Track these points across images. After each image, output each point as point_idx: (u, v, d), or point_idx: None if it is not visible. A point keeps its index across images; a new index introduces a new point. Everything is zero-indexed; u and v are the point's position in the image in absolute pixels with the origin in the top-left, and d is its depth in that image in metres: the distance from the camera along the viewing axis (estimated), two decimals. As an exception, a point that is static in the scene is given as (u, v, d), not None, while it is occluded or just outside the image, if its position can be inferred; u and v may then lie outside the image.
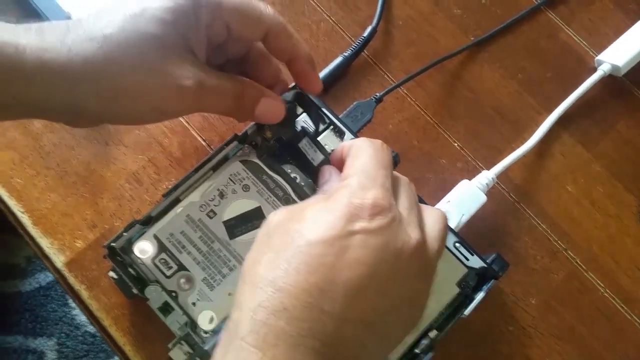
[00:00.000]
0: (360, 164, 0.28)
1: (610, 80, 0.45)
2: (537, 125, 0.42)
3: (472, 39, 0.45)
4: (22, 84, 0.26)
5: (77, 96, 0.27)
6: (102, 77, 0.27)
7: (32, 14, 0.40)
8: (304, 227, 0.25)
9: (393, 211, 0.26)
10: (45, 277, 0.94)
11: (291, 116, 0.35)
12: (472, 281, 0.35)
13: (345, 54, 0.42)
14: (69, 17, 0.39)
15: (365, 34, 0.43)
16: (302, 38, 0.43)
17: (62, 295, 0.93)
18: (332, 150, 0.35)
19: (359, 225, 0.25)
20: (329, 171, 0.32)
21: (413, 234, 0.26)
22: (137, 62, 0.27)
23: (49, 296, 0.93)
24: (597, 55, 0.45)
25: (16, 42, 0.26)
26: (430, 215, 0.29)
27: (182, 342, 0.32)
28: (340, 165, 0.30)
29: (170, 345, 0.32)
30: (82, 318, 0.92)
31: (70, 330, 0.91)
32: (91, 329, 0.91)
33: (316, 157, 0.35)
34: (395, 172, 0.29)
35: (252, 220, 0.35)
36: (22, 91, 0.27)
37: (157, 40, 0.27)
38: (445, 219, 0.29)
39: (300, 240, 0.25)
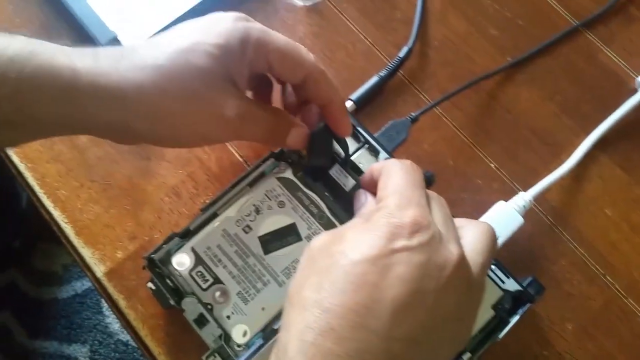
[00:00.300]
0: (393, 184, 0.28)
1: (652, 102, 0.44)
2: (575, 147, 0.42)
3: (509, 59, 0.45)
4: (76, 104, 0.28)
5: (126, 119, 0.29)
6: (151, 105, 0.29)
7: (85, 37, 0.42)
8: (346, 248, 0.26)
9: (432, 228, 0.26)
10: (81, 285, 0.97)
11: (328, 145, 0.36)
12: (508, 304, 0.35)
13: (381, 74, 0.43)
14: (115, 37, 0.41)
15: (401, 54, 0.43)
16: (338, 58, 0.44)
17: (97, 303, 0.95)
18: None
19: (400, 243, 0.25)
20: (364, 195, 0.32)
21: (454, 250, 0.26)
22: (184, 93, 0.29)
23: (85, 304, 0.95)
24: (637, 76, 0.45)
25: (73, 66, 0.27)
26: (473, 229, 0.29)
27: (216, 354, 0.33)
28: (371, 187, 0.31)
29: (203, 358, 0.33)
30: (115, 326, 0.94)
31: (103, 338, 0.93)
32: (124, 337, 0.93)
33: (347, 183, 0.36)
34: (425, 190, 0.30)
35: (286, 236, 0.35)
36: (75, 111, 0.28)
37: (205, 73, 0.29)
38: (490, 232, 0.29)
39: (343, 260, 0.25)
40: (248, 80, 0.32)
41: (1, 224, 0.85)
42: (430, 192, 0.30)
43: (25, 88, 0.27)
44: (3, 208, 0.84)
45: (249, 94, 0.35)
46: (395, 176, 0.29)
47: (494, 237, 0.29)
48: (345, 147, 0.36)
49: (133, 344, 0.92)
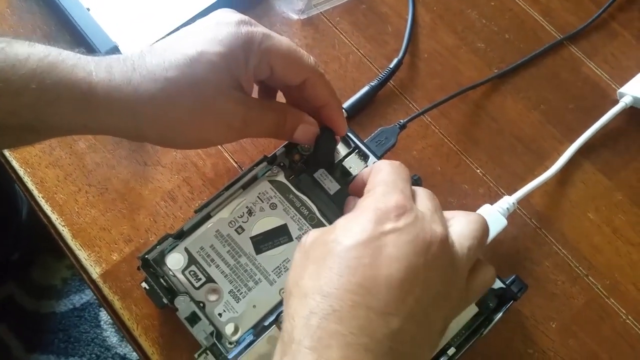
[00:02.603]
0: (380, 177, 0.30)
1: (633, 112, 0.45)
2: (559, 154, 0.43)
3: (496, 71, 0.46)
4: (92, 114, 0.30)
5: (137, 127, 0.31)
6: (161, 115, 0.31)
7: (86, 46, 0.44)
8: (338, 235, 0.28)
9: (415, 211, 0.28)
10: (79, 299, 0.97)
11: (328, 143, 0.37)
12: (492, 302, 0.35)
13: (372, 84, 0.44)
14: (115, 46, 0.43)
15: (392, 65, 0.45)
16: (332, 69, 0.46)
17: (95, 316, 0.95)
18: (353, 177, 0.37)
19: (389, 226, 0.27)
20: (353, 201, 0.34)
21: (437, 229, 0.28)
22: (193, 105, 0.31)
23: (83, 317, 0.95)
24: (619, 88, 0.46)
25: (90, 79, 0.29)
26: (463, 217, 0.31)
27: (208, 352, 0.34)
28: (361, 191, 0.33)
29: (196, 355, 0.33)
30: (113, 340, 0.93)
31: (101, 351, 0.93)
32: (121, 350, 0.93)
33: (332, 187, 0.38)
34: (415, 186, 0.31)
35: (278, 237, 0.36)
36: (91, 120, 0.31)
37: (211, 84, 0.31)
38: (478, 221, 0.31)
39: (338, 247, 0.27)
40: (254, 80, 0.34)
41: (0, 236, 0.86)
42: (420, 188, 0.32)
43: (45, 99, 0.29)
44: (3, 220, 0.84)
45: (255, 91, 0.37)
46: (382, 171, 0.31)
47: (483, 225, 0.31)
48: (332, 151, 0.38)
49: (130, 357, 0.92)
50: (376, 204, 0.28)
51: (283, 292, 0.35)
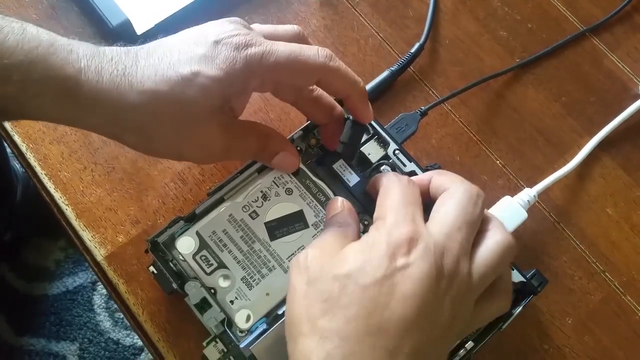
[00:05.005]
0: (390, 202, 0.30)
1: (655, 108, 0.45)
2: (579, 147, 0.42)
3: (518, 60, 0.46)
4: (74, 112, 0.29)
5: (119, 131, 0.31)
6: (142, 125, 0.30)
7: (95, 19, 0.42)
8: (352, 271, 0.27)
9: (425, 241, 0.27)
10: (72, 282, 0.95)
11: (359, 136, 0.36)
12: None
13: (392, 69, 0.43)
14: (127, 20, 0.41)
15: (413, 50, 0.44)
16: (350, 52, 0.45)
17: (88, 300, 0.94)
18: (371, 169, 0.37)
19: (401, 261, 0.26)
20: (340, 202, 0.33)
21: (448, 261, 0.27)
22: (175, 124, 0.30)
23: (75, 301, 0.94)
24: (641, 83, 0.45)
25: (77, 78, 0.28)
26: (494, 237, 0.29)
27: (217, 340, 0.33)
28: (373, 193, 0.33)
29: (204, 343, 0.32)
30: (106, 324, 0.92)
31: (93, 336, 0.91)
32: (114, 335, 0.91)
33: (352, 179, 0.36)
34: (421, 206, 0.30)
35: (293, 223, 0.35)
36: (73, 117, 0.30)
37: (198, 106, 0.30)
38: (506, 248, 0.29)
39: (352, 286, 0.26)
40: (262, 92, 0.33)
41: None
42: (445, 203, 0.30)
43: (28, 92, 0.28)
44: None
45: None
46: (392, 194, 0.30)
47: (510, 251, 0.30)
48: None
49: (124, 342, 0.91)
50: (388, 237, 0.27)
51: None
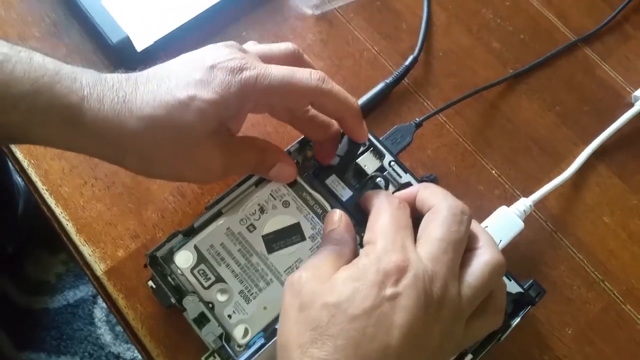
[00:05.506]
0: (380, 226, 0.30)
1: (648, 116, 0.45)
2: (574, 156, 0.43)
3: (511, 71, 0.46)
4: (76, 138, 0.30)
5: (120, 156, 0.31)
6: (142, 150, 0.31)
7: (96, 36, 0.43)
8: (340, 301, 0.27)
9: (414, 268, 0.27)
10: (73, 295, 0.95)
11: (355, 150, 0.37)
12: (509, 307, 0.35)
13: (387, 81, 0.43)
14: (127, 37, 0.41)
15: (407, 62, 0.44)
16: (346, 65, 0.45)
17: (89, 314, 0.94)
18: (365, 181, 0.37)
19: (389, 291, 0.27)
20: (339, 217, 0.33)
21: (437, 287, 0.27)
22: (174, 148, 0.31)
23: (76, 314, 0.94)
24: (634, 91, 0.46)
25: (80, 106, 0.29)
26: (484, 257, 0.30)
27: (215, 355, 0.33)
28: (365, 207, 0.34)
29: (203, 358, 0.32)
30: (107, 338, 0.92)
31: (94, 350, 0.91)
32: (115, 349, 0.91)
33: (344, 194, 0.37)
34: (412, 229, 0.30)
35: (290, 235, 0.35)
36: (75, 143, 0.31)
37: (195, 130, 0.30)
38: (494, 267, 0.29)
39: (340, 316, 0.26)
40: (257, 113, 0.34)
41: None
42: (434, 218, 0.30)
43: (33, 120, 0.29)
44: (-1, 212, 0.83)
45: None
46: (382, 218, 0.30)
47: (499, 270, 0.30)
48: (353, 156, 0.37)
49: (125, 356, 0.90)
50: (377, 264, 0.28)
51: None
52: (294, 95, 0.32)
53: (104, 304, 0.95)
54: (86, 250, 0.38)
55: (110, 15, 0.42)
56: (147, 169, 0.32)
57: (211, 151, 0.31)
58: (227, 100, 0.30)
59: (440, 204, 0.31)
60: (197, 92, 0.29)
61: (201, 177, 0.33)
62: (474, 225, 0.31)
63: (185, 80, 0.30)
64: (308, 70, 0.32)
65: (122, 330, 0.91)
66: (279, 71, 0.31)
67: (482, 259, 0.29)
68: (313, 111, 0.35)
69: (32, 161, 0.40)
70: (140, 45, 0.42)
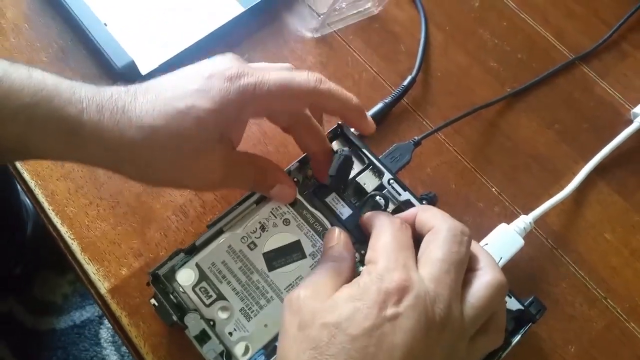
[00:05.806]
0: (382, 246, 0.30)
1: (647, 133, 0.45)
2: (574, 173, 0.43)
3: (509, 90, 0.46)
4: (77, 150, 0.31)
5: (120, 165, 0.32)
6: (141, 158, 0.31)
7: (102, 61, 0.44)
8: (340, 320, 0.27)
9: (416, 288, 0.27)
10: (80, 316, 0.95)
11: (347, 169, 0.37)
12: (509, 324, 0.35)
13: (386, 101, 0.44)
14: (132, 62, 0.43)
15: (406, 82, 0.45)
16: (345, 86, 0.45)
17: (95, 334, 0.94)
18: (364, 201, 0.37)
19: (390, 311, 0.27)
20: (337, 233, 0.34)
21: (439, 308, 0.27)
22: (173, 156, 0.31)
23: (82, 335, 0.94)
24: (632, 108, 0.46)
25: (80, 117, 0.30)
26: (486, 277, 0.30)
27: (216, 372, 0.33)
28: (365, 227, 0.34)
29: (204, 375, 0.33)
30: (112, 358, 0.92)
31: (100, 370, 0.91)
32: (121, 370, 0.91)
33: (344, 212, 0.37)
34: (413, 250, 0.30)
35: (291, 253, 0.36)
36: (76, 154, 0.31)
37: (194, 139, 0.31)
38: (497, 288, 0.30)
39: (341, 336, 0.26)
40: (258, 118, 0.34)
41: (4, 249, 0.85)
42: (435, 239, 0.30)
43: (34, 131, 0.29)
44: (7, 234, 0.84)
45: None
46: (384, 237, 0.31)
47: (501, 290, 0.30)
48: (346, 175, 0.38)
49: (129, 377, 0.90)
50: (379, 284, 0.28)
51: None
52: (293, 97, 0.32)
53: (109, 325, 0.95)
54: (90, 268, 0.39)
55: (115, 40, 0.43)
56: (146, 176, 0.32)
57: (211, 161, 0.32)
58: (226, 108, 0.30)
59: (440, 225, 0.31)
60: (195, 102, 0.30)
61: (199, 185, 0.34)
62: (474, 246, 0.31)
63: (184, 90, 0.30)
64: (305, 72, 0.32)
65: (127, 350, 0.92)
66: (277, 75, 0.31)
67: (484, 280, 0.29)
68: (312, 121, 0.36)
69: (39, 182, 0.41)
70: (144, 68, 0.43)
